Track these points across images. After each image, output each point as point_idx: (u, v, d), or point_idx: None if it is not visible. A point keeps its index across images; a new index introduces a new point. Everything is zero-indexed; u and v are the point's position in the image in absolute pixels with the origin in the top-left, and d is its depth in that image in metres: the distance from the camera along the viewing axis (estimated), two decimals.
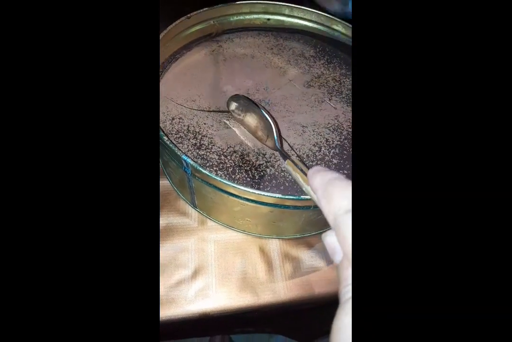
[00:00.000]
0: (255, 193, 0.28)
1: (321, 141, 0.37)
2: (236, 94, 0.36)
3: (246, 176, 0.33)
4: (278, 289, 0.35)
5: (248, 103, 0.34)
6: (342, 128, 0.38)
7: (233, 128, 0.37)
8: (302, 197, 0.28)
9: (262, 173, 0.34)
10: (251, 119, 0.35)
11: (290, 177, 0.34)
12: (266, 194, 0.28)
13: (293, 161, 0.26)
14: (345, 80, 0.44)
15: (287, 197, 0.28)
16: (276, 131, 0.32)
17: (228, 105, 0.37)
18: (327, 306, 0.38)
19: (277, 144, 0.31)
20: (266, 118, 0.32)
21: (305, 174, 0.23)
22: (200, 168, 0.29)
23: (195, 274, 0.36)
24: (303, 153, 0.36)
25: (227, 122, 0.37)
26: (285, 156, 0.28)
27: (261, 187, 0.33)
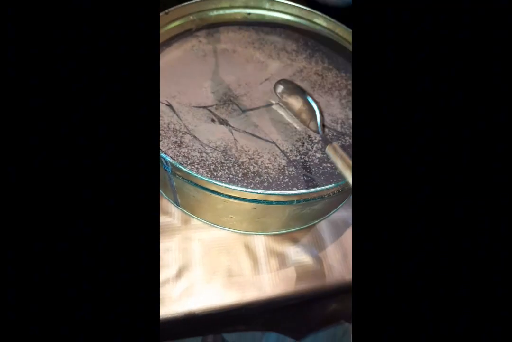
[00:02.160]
0: (237, 190, 0.28)
1: (303, 137, 0.37)
2: (283, 79, 0.39)
3: (229, 172, 0.33)
4: (264, 285, 0.35)
5: (294, 87, 0.37)
6: (325, 122, 0.38)
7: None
8: (284, 192, 0.28)
9: (245, 171, 0.34)
10: (295, 102, 0.37)
11: (274, 173, 0.34)
12: (248, 190, 0.28)
13: (334, 148, 0.28)
14: (327, 74, 0.43)
15: (269, 192, 0.28)
16: (319, 118, 0.34)
17: (275, 87, 0.39)
18: (314, 301, 0.39)
19: (319, 130, 0.34)
20: (311, 105, 0.34)
21: (345, 160, 0.26)
22: (180, 167, 0.28)
23: (180, 273, 0.35)
24: (286, 149, 0.35)
25: (213, 117, 0.37)
26: (327, 142, 0.29)
27: (244, 184, 0.32)
